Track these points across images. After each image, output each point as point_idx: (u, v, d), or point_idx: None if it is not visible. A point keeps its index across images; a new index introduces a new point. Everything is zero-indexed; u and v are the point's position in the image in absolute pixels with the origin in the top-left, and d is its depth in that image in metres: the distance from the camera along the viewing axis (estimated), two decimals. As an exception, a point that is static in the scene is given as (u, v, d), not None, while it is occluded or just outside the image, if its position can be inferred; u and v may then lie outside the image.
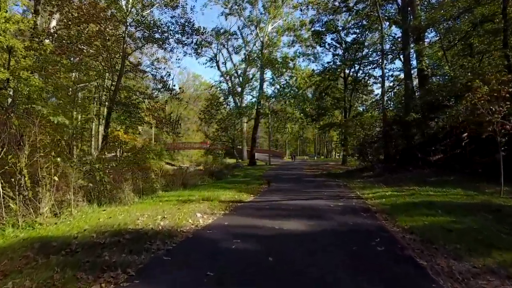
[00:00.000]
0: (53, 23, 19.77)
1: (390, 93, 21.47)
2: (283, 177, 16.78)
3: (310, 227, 5.13)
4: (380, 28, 18.84)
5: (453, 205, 6.66)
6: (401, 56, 21.97)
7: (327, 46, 26.10)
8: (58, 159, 6.62)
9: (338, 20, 25.01)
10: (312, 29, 25.37)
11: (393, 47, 21.82)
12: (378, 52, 22.74)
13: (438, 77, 18.85)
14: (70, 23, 18.41)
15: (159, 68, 31.70)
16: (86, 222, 5.17)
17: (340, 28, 24.57)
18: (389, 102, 20.29)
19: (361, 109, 32.48)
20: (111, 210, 6.49)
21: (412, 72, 18.40)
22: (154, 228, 4.76)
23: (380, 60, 23.96)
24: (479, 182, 10.32)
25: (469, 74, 13.75)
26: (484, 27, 14.83)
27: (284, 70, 33.02)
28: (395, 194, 8.83)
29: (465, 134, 14.48)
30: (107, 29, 19.02)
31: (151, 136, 57.70)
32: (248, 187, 11.56)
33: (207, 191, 9.85)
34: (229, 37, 38.45)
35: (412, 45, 17.07)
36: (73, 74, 32.49)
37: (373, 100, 26.19)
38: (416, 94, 18.33)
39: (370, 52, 24.13)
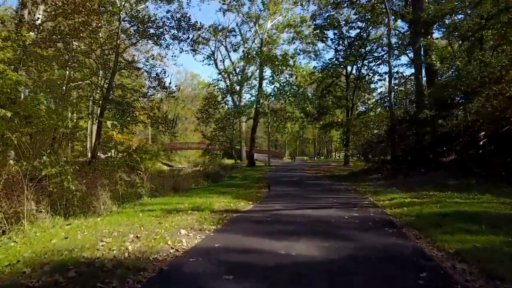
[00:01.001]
0: (38, 14, 18.48)
1: (396, 90, 20.27)
2: (284, 180, 15.56)
3: (327, 251, 3.91)
4: (387, 20, 17.65)
5: (495, 217, 5.46)
6: (409, 51, 20.84)
7: (329, 42, 24.95)
8: (11, 161, 5.41)
9: (341, 14, 23.84)
10: (314, 23, 24.14)
11: (400, 42, 20.62)
12: (384, 48, 21.57)
13: (449, 73, 17.72)
14: (54, 13, 17.17)
15: (154, 66, 30.53)
16: (32, 245, 3.93)
17: (343, 23, 23.37)
18: (395, 100, 19.08)
19: (363, 108, 31.38)
20: (76, 224, 5.25)
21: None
22: (117, 256, 3.53)
23: (386, 56, 22.82)
24: (504, 185, 9.15)
25: (487, 68, 12.58)
26: (502, 17, 13.66)
27: (284, 67, 31.87)
28: (416, 201, 7.62)
29: (482, 133, 13.33)
30: (96, 22, 17.81)
31: (148, 136, 56.61)
32: (246, 192, 10.34)
33: (199, 197, 8.63)
34: (227, 34, 37.30)
35: (421, 39, 15.90)
36: (67, 72, 31.32)
37: (378, 97, 24.93)
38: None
39: (375, 47, 22.93)
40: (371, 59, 23.65)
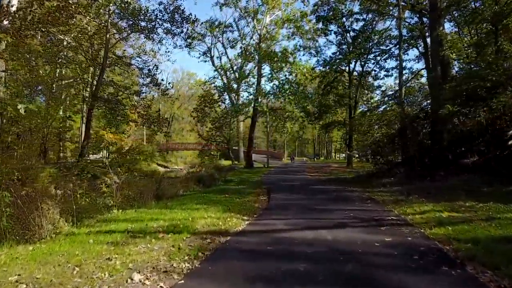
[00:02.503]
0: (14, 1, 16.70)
1: (404, 86, 18.61)
2: (285, 184, 13.86)
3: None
4: (398, 8, 16.01)
5: None
6: (419, 44, 19.23)
7: (332, 36, 23.33)
8: None
9: (345, 6, 22.16)
10: (316, 15, 22.42)
11: (410, 34, 18.96)
12: (392, 40, 19.92)
13: (464, 66, 16.16)
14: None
15: (146, 61, 28.82)
16: None
17: (347, 14, 21.67)
18: (405, 97, 17.44)
19: (365, 108, 29.80)
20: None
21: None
22: None
23: (394, 49, 21.21)
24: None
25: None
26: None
27: (283, 64, 30.26)
28: (457, 216, 5.95)
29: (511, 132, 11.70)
30: (74, 6, 16.08)
31: (143, 137, 54.87)
32: (241, 201, 8.64)
33: (182, 210, 6.93)
34: (224, 29, 35.64)
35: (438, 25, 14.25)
36: (57, 69, 29.54)
37: (383, 94, 23.26)
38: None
39: (383, 40, 21.24)
40: (377, 53, 21.97)
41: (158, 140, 53.73)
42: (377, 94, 30.47)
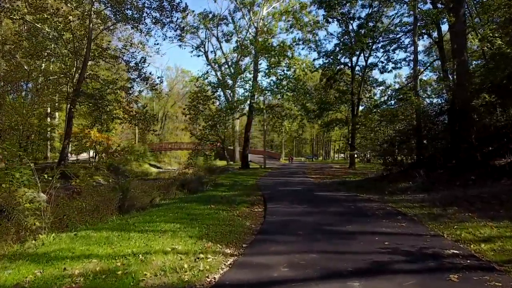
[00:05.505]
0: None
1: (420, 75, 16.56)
2: (284, 190, 11.73)
3: None
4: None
5: None
6: (432, 32, 17.18)
7: (334, 27, 21.30)
8: None
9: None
10: (319, -1, 20.27)
11: (423, 22, 16.87)
12: (403, 27, 17.85)
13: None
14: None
15: (133, 54, 26.58)
16: None
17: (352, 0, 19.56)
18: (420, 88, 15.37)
19: (369, 104, 27.79)
20: None
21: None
22: None
23: (404, 38, 19.15)
24: None
25: None
26: None
27: (281, 58, 28.22)
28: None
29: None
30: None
31: (135, 136, 52.54)
32: (228, 217, 6.51)
33: (140, 235, 4.78)
34: (219, 22, 33.60)
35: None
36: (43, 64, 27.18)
37: (403, 84, 21.14)
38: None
39: (392, 27, 19.17)
40: (386, 42, 19.86)
41: (151, 140, 51.48)
42: (380, 90, 28.54)
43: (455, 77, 13.13)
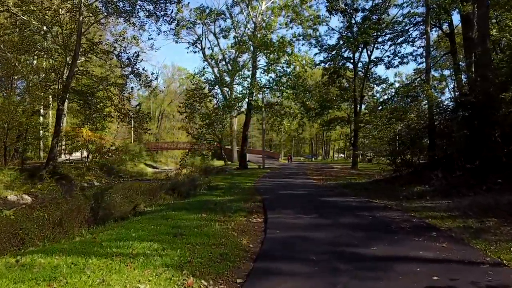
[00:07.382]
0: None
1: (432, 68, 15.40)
2: (286, 194, 10.54)
3: None
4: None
5: None
6: (444, 23, 16.02)
7: (335, 21, 20.18)
8: None
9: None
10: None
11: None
12: (411, 18, 16.69)
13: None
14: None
15: (125, 48, 25.27)
16: None
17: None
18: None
19: (372, 101, 26.71)
20: None
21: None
22: None
23: (412, 30, 17.98)
24: None
25: None
26: None
27: (280, 53, 27.08)
28: None
29: None
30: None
31: (131, 135, 51.24)
32: (220, 231, 5.29)
33: (103, 260, 3.56)
34: (216, 17, 32.30)
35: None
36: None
37: (415, 78, 19.97)
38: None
39: (400, 18, 18.01)
40: (392, 35, 18.67)
41: (147, 139, 50.21)
42: (382, 88, 27.41)
43: (472, 69, 11.98)
